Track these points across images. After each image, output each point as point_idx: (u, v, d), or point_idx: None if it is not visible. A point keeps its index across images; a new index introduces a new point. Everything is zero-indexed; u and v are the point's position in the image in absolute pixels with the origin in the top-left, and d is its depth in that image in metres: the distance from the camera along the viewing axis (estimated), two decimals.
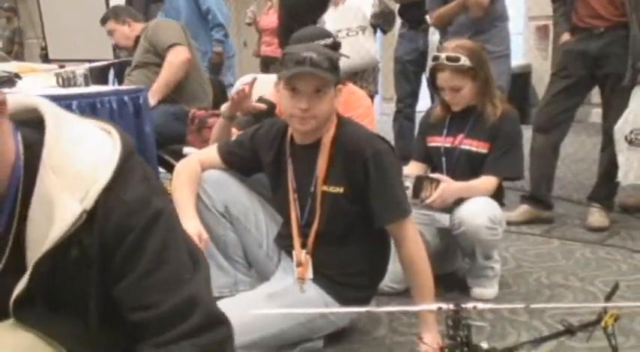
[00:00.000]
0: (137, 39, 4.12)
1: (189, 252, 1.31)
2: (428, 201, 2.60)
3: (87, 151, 1.19)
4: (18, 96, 1.27)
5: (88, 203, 1.14)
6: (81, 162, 1.17)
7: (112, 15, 4.18)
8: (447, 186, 2.62)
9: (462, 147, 2.78)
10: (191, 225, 2.11)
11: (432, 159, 2.91)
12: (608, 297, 1.80)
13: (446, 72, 2.70)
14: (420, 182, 2.62)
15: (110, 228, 1.15)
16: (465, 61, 2.66)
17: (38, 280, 1.17)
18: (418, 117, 3.42)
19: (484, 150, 2.74)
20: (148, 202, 1.19)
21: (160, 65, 3.92)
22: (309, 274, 2.21)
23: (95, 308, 1.21)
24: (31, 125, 1.22)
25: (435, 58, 2.74)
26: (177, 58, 3.88)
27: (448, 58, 2.68)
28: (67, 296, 1.21)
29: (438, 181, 2.62)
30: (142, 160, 1.29)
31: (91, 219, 1.15)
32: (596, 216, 3.74)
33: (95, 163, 1.17)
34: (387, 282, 2.57)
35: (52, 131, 1.19)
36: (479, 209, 2.60)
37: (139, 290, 1.19)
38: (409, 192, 2.56)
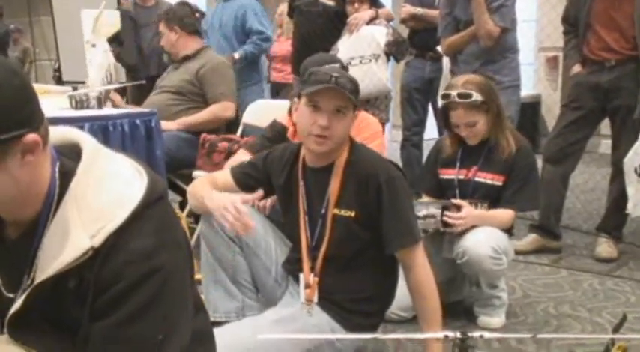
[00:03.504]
0: (185, 57, 4.04)
1: (184, 308, 1.29)
2: (452, 220, 2.63)
3: (112, 189, 1.21)
4: (62, 129, 1.31)
5: (98, 241, 1.15)
6: (103, 198, 1.19)
7: (164, 17, 4.10)
8: (470, 210, 2.65)
9: (477, 179, 2.79)
10: (219, 197, 2.14)
11: (444, 191, 2.90)
12: (616, 329, 1.80)
13: (459, 109, 2.71)
14: (447, 209, 2.65)
15: (107, 269, 1.16)
16: (476, 96, 2.68)
17: (35, 301, 1.20)
18: (426, 145, 3.42)
19: (499, 183, 2.76)
20: (151, 256, 1.18)
21: (193, 101, 3.92)
22: (316, 297, 2.21)
23: (84, 335, 1.21)
24: (71, 156, 1.25)
25: (446, 96, 2.74)
26: (222, 113, 3.90)
27: (460, 95, 2.69)
28: (60, 319, 1.23)
29: (460, 207, 2.66)
30: (170, 208, 1.29)
31: (95, 255, 1.16)
32: (605, 247, 3.72)
33: (116, 202, 1.19)
34: (395, 309, 2.57)
35: (85, 163, 1.22)
36: (483, 239, 2.60)
37: (108, 336, 1.18)
38: (437, 219, 2.63)
